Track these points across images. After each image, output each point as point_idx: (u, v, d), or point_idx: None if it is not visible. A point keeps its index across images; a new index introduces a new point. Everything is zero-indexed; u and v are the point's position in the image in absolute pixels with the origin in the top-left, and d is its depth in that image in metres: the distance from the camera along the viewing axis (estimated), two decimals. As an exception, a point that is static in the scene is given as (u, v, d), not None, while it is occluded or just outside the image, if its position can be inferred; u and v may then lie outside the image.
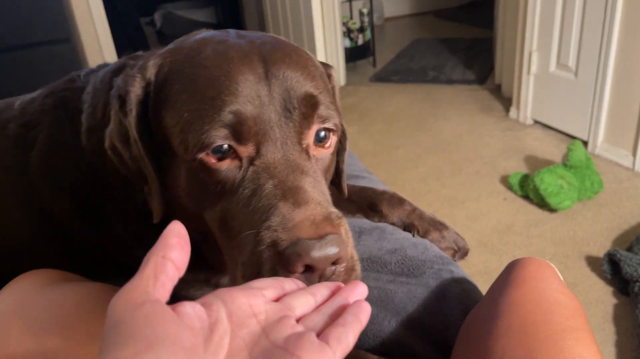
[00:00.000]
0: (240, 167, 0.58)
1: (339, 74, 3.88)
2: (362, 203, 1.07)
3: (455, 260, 1.03)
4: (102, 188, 0.80)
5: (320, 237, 0.51)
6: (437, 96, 3.53)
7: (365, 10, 4.12)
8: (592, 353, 0.61)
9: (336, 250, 0.52)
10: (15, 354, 0.58)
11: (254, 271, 0.54)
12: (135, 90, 0.62)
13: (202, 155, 0.57)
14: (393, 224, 1.06)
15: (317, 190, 0.58)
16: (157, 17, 5.53)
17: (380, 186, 1.17)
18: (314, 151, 0.63)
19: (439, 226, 1.06)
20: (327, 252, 0.51)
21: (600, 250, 1.93)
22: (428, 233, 1.04)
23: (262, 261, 0.53)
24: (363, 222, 1.05)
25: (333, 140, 0.66)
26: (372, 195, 1.08)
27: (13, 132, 0.86)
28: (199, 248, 0.74)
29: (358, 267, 0.60)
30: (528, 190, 2.25)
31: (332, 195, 1.06)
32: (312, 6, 2.91)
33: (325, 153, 0.65)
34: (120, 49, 3.16)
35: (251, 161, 0.58)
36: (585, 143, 2.62)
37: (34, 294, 0.67)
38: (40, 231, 0.86)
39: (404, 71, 4.02)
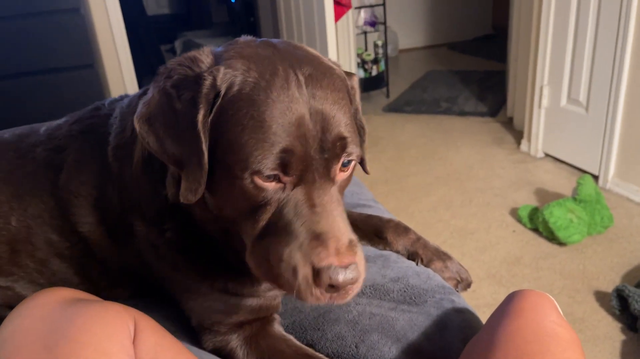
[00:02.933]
0: (284, 189, 0.69)
1: (353, 103, 3.94)
2: (368, 230, 1.10)
3: (458, 291, 1.05)
4: (128, 202, 0.85)
5: (345, 266, 0.65)
6: (449, 127, 3.56)
7: (379, 43, 4.20)
8: None
9: (355, 276, 0.66)
10: None
11: (291, 281, 0.66)
12: (207, 91, 0.68)
13: (254, 176, 0.67)
14: (397, 252, 1.08)
15: (342, 217, 0.70)
16: (177, 44, 5.69)
17: (386, 215, 1.20)
18: (339, 175, 0.73)
19: (443, 256, 1.07)
20: (349, 278, 0.65)
21: (609, 285, 1.92)
22: (431, 263, 1.06)
23: (297, 271, 0.66)
24: (368, 250, 1.08)
25: (352, 165, 0.76)
26: (378, 222, 1.10)
27: (41, 155, 0.91)
28: (222, 249, 0.82)
29: (362, 279, 0.70)
30: (537, 223, 2.26)
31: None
32: (328, 39, 2.98)
33: (345, 175, 0.75)
34: (140, 75, 3.25)
35: (293, 186, 0.69)
36: (596, 177, 2.62)
37: (49, 311, 0.70)
38: (64, 249, 0.91)
39: (417, 102, 4.07)
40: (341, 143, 0.70)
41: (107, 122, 0.88)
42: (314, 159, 0.68)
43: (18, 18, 2.48)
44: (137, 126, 0.71)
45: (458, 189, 2.73)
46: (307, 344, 0.90)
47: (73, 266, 0.92)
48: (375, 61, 4.17)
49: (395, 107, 4.01)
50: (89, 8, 2.90)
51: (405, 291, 0.95)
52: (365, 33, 4.19)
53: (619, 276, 1.97)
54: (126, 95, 0.92)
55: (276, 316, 0.93)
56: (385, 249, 1.09)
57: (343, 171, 0.74)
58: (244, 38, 0.78)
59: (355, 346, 0.86)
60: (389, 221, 1.11)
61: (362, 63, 4.10)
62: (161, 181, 0.80)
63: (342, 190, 0.75)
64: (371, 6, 4.03)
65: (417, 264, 1.05)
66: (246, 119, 0.67)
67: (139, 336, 0.71)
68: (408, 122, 3.74)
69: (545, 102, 2.86)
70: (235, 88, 0.68)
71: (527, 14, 2.98)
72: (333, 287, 0.65)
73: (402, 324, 0.88)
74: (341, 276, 0.64)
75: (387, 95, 4.30)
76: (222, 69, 0.69)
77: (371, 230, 1.10)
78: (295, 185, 0.69)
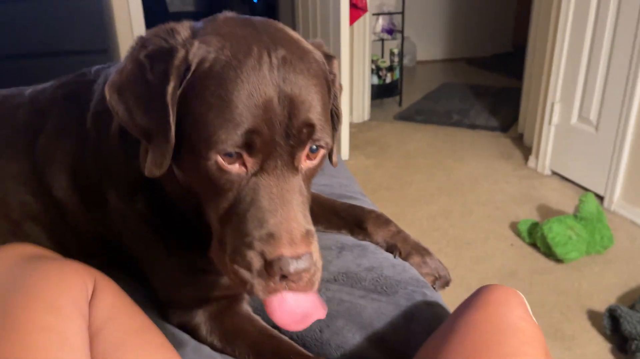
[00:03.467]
0: (246, 173, 0.67)
1: (364, 109, 3.94)
2: (349, 219, 1.09)
3: (435, 288, 1.03)
4: (102, 171, 0.85)
5: (297, 257, 0.63)
6: (458, 139, 3.54)
7: (396, 51, 4.20)
8: None
9: (307, 266, 0.65)
10: None
11: (244, 266, 0.65)
12: (178, 63, 0.67)
13: (218, 156, 0.65)
14: (377, 244, 1.07)
15: (300, 207, 0.68)
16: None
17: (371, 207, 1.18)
18: (303, 163, 0.71)
19: (422, 251, 1.06)
20: (300, 267, 0.64)
21: (603, 305, 1.87)
22: (410, 257, 1.04)
23: (251, 265, 0.64)
24: (347, 239, 1.07)
25: (321, 153, 0.73)
26: (360, 212, 1.09)
27: (22, 117, 0.92)
28: (194, 226, 0.81)
29: (319, 274, 0.69)
30: (536, 238, 2.22)
31: (320, 209, 1.09)
32: (341, 42, 2.98)
33: (312, 164, 0.72)
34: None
35: (255, 172, 0.67)
36: (601, 198, 2.58)
37: (8, 265, 0.71)
38: (38, 212, 0.91)
39: (429, 112, 4.06)
40: (308, 130, 0.68)
41: (91, 89, 0.88)
42: (279, 145, 0.66)
43: (38, -1, 2.52)
44: (107, 94, 0.70)
45: (459, 200, 2.70)
46: (273, 326, 0.89)
47: (46, 231, 0.92)
48: (390, 69, 4.17)
49: (407, 116, 3.99)
50: (111, -1, 2.94)
51: (377, 280, 0.94)
52: (382, 40, 4.19)
53: (614, 297, 1.93)
54: (114, 63, 0.92)
55: (245, 295, 0.92)
56: (365, 240, 1.07)
57: (310, 159, 0.71)
58: (225, 14, 0.77)
59: (320, 331, 0.85)
60: (371, 212, 1.09)
61: (377, 70, 4.10)
62: (135, 152, 0.79)
63: (307, 179, 0.73)
64: (390, 13, 4.03)
65: (395, 257, 1.03)
66: (213, 98, 0.65)
67: (97, 296, 0.71)
68: (418, 131, 3.72)
69: (555, 119, 2.83)
70: (207, 64, 0.67)
71: (544, 31, 2.96)
72: (286, 278, 0.64)
73: (369, 313, 0.87)
74: (292, 267, 0.63)
75: (400, 104, 4.29)
76: (196, 43, 0.68)
77: (352, 219, 1.09)
78: (257, 172, 0.67)
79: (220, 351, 0.85)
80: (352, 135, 3.54)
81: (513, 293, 0.77)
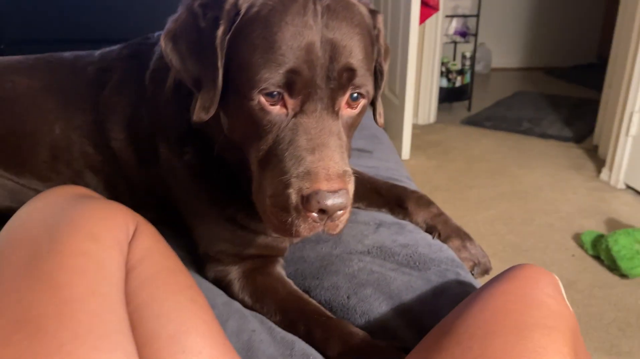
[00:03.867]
0: (287, 114, 0.70)
1: (430, 111, 3.88)
2: (390, 198, 1.09)
3: (474, 275, 1.01)
4: (156, 124, 0.90)
5: (334, 191, 0.65)
6: (526, 146, 3.41)
7: (468, 54, 4.11)
8: (558, 350, 0.58)
9: (343, 202, 0.66)
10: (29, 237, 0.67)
11: (282, 206, 0.68)
12: (229, 8, 0.71)
13: (260, 96, 0.68)
14: (417, 224, 1.06)
15: (338, 149, 0.70)
16: None
17: (416, 191, 1.17)
18: (344, 110, 0.73)
19: (463, 235, 1.04)
20: (337, 202, 0.65)
21: (668, 325, 1.75)
22: (449, 239, 1.03)
23: (289, 201, 0.66)
24: (386, 217, 1.07)
25: (362, 103, 0.76)
26: (402, 192, 1.09)
27: (91, 73, 0.99)
28: (237, 177, 0.84)
29: (349, 207, 0.70)
30: (600, 250, 2.10)
31: (361, 187, 1.10)
32: (410, 41, 2.96)
33: (353, 112, 0.75)
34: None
35: (295, 114, 0.70)
36: (679, 216, 2.40)
37: (60, 200, 0.77)
38: (97, 163, 0.98)
39: (499, 118, 3.94)
40: (348, 74, 0.70)
41: (152, 49, 0.94)
42: (319, 87, 0.69)
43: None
44: (162, 43, 0.75)
45: (521, 207, 2.60)
46: (303, 291, 0.90)
47: (103, 181, 0.99)
48: (461, 72, 4.09)
49: (475, 121, 3.90)
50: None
51: (411, 256, 0.93)
52: (455, 43, 4.12)
53: (682, 319, 1.79)
54: None
55: (280, 259, 0.95)
56: (405, 219, 1.07)
57: (351, 106, 0.74)
58: None
59: (347, 297, 0.86)
60: (413, 192, 1.09)
61: (447, 73, 4.03)
62: (187, 106, 0.84)
63: (348, 127, 0.75)
64: (464, 16, 3.95)
65: (433, 238, 1.02)
66: (258, 40, 0.69)
67: (137, 237, 0.76)
68: (485, 136, 3.62)
69: (634, 130, 2.66)
70: (255, 9, 0.70)
71: (627, 40, 2.80)
72: (324, 213, 0.66)
73: (398, 284, 0.86)
74: (329, 201, 0.65)
75: (469, 109, 4.19)
76: None
77: (393, 198, 1.09)
78: (297, 114, 0.70)
79: (250, 307, 0.87)
80: (415, 136, 3.50)
81: (546, 273, 0.75)
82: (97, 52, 1.02)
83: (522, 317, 0.62)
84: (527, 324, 0.61)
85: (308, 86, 0.68)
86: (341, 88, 0.70)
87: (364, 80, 0.72)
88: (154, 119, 0.91)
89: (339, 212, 0.67)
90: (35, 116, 0.96)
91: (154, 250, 0.76)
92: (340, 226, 0.70)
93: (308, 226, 0.68)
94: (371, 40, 0.77)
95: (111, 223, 0.72)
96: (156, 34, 1.01)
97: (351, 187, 0.69)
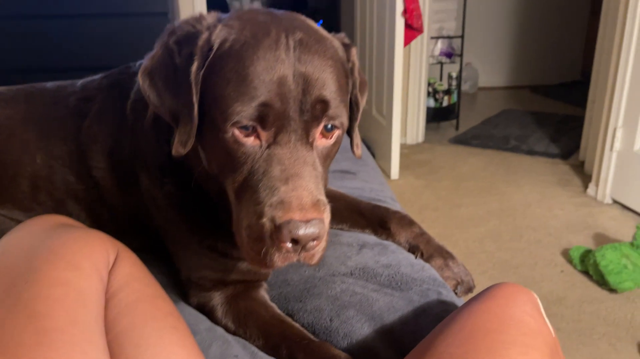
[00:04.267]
0: (261, 146, 0.70)
1: (418, 131, 3.92)
2: (372, 219, 1.10)
3: (457, 294, 1.01)
4: (136, 154, 0.91)
5: (307, 221, 0.65)
6: (513, 164, 3.45)
7: (454, 74, 4.17)
8: None
9: (316, 231, 0.66)
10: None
11: (256, 237, 0.68)
12: (202, 44, 0.72)
13: (234, 128, 0.70)
14: (400, 244, 1.07)
15: (312, 179, 0.70)
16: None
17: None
18: (318, 141, 0.74)
19: (445, 254, 1.05)
20: (309, 232, 0.65)
21: (658, 339, 1.75)
22: (432, 259, 1.03)
23: (263, 231, 0.67)
24: (369, 238, 1.07)
25: (337, 133, 0.76)
26: (384, 212, 1.10)
27: (72, 103, 1.00)
28: (216, 206, 0.85)
29: (325, 236, 0.70)
30: (588, 265, 2.11)
31: (345, 208, 1.10)
32: (395, 62, 3.01)
33: (328, 143, 0.75)
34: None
35: (268, 144, 0.70)
36: (665, 229, 2.42)
37: (41, 229, 0.77)
38: (80, 192, 0.98)
39: (486, 137, 3.98)
40: (321, 105, 0.71)
41: (133, 79, 0.96)
42: (293, 119, 0.70)
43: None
44: (140, 79, 0.76)
45: (510, 224, 2.62)
46: (287, 314, 0.91)
47: (85, 210, 0.99)
48: (448, 92, 4.14)
49: (463, 140, 3.93)
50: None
51: (393, 277, 0.94)
52: (441, 63, 4.18)
53: (671, 332, 1.79)
54: None
55: (263, 283, 0.95)
56: (388, 240, 1.08)
57: (326, 137, 0.74)
58: (250, 7, 0.83)
59: (330, 320, 0.86)
60: (395, 212, 1.10)
61: (434, 93, 4.08)
62: (166, 137, 0.85)
63: (324, 157, 0.75)
64: (449, 37, 4.02)
65: (416, 257, 1.03)
66: (231, 73, 0.70)
67: (117, 265, 0.76)
68: (472, 155, 3.66)
69: (617, 144, 2.70)
70: (227, 44, 0.72)
71: (608, 56, 2.86)
72: (297, 243, 0.66)
73: (380, 305, 0.87)
74: (302, 231, 0.65)
75: (457, 128, 4.23)
76: (219, 26, 0.73)
77: (376, 219, 1.09)
78: (271, 145, 0.70)
79: (233, 332, 0.87)
80: (403, 156, 3.53)
81: (524, 291, 0.75)
82: (79, 82, 1.04)
83: (499, 336, 0.63)
84: (504, 342, 0.62)
85: (281, 118, 0.69)
86: (315, 120, 0.71)
87: (338, 111, 0.73)
88: (134, 150, 0.91)
89: (313, 242, 0.67)
90: (16, 146, 0.97)
91: (134, 277, 0.76)
92: (317, 256, 0.70)
93: (282, 256, 0.67)
94: (345, 72, 0.78)
95: (91, 252, 0.73)
96: (137, 62, 1.02)
97: (327, 216, 0.69)
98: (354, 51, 0.83)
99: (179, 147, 0.75)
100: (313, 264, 0.71)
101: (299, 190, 0.67)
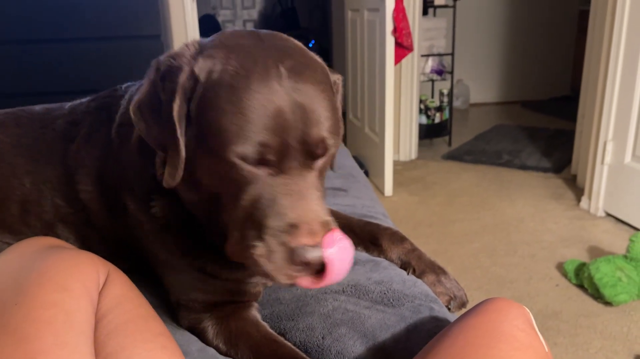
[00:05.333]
0: (263, 174, 0.71)
1: (411, 148, 3.94)
2: (364, 236, 1.10)
3: (450, 309, 1.01)
4: (122, 177, 0.91)
5: (316, 245, 0.67)
6: (506, 179, 3.46)
7: (445, 91, 4.22)
8: None
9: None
10: None
11: (267, 266, 0.70)
12: (183, 82, 0.73)
13: (236, 159, 0.70)
14: (391, 260, 1.07)
15: (317, 200, 0.72)
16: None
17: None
18: (317, 164, 0.75)
19: (438, 270, 1.05)
20: (318, 256, 0.68)
21: (655, 352, 1.75)
22: (424, 275, 1.03)
23: (273, 254, 0.69)
24: (361, 255, 1.07)
25: (332, 151, 0.77)
26: (375, 229, 1.10)
27: (60, 127, 1.00)
28: (205, 230, 0.85)
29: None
30: (583, 279, 2.11)
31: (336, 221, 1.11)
32: (386, 81, 3.04)
33: (324, 160, 0.76)
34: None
35: (272, 172, 0.71)
36: (658, 241, 2.43)
37: (30, 251, 0.77)
38: (68, 215, 0.98)
39: (478, 152, 4.01)
40: (322, 144, 0.72)
41: (119, 102, 0.96)
42: (294, 149, 0.70)
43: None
44: (131, 113, 0.77)
45: (504, 239, 2.62)
46: (279, 333, 0.90)
47: (74, 233, 0.99)
48: (440, 109, 4.18)
49: (455, 156, 3.96)
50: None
51: (385, 293, 0.94)
52: (432, 81, 4.23)
53: (668, 345, 1.79)
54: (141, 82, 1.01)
55: (255, 303, 0.95)
56: (379, 256, 1.08)
57: (322, 157, 0.75)
58: (232, 29, 0.83)
59: (322, 337, 0.85)
60: (386, 229, 1.10)
61: (426, 110, 4.11)
62: (151, 161, 0.84)
63: (321, 173, 0.76)
64: (439, 55, 4.07)
65: (408, 274, 1.03)
66: (227, 104, 0.70)
67: (108, 286, 0.76)
68: (465, 170, 3.67)
69: (608, 158, 2.72)
70: (216, 75, 0.72)
71: (595, 74, 2.91)
72: (308, 266, 0.68)
73: (372, 322, 0.86)
74: (311, 255, 0.67)
75: (449, 144, 4.26)
76: (200, 59, 0.73)
77: (367, 236, 1.09)
78: (275, 172, 0.71)
79: (225, 353, 0.87)
80: (397, 173, 3.54)
81: (515, 306, 0.75)
82: (67, 105, 1.04)
83: (490, 351, 0.63)
84: (495, 357, 0.62)
85: (282, 151, 0.70)
86: (317, 157, 0.73)
87: (336, 142, 0.75)
88: (119, 173, 0.91)
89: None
90: (5, 170, 0.97)
91: (124, 298, 0.76)
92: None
93: (292, 277, 0.69)
94: (332, 90, 0.78)
95: (80, 273, 0.72)
96: (124, 85, 1.03)
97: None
98: (339, 78, 0.84)
99: (170, 180, 0.75)
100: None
101: (307, 213, 0.69)
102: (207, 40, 0.79)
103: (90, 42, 2.70)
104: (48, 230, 0.99)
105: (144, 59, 3.02)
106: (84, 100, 1.03)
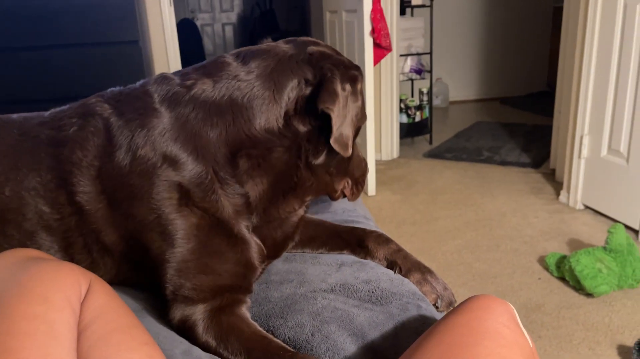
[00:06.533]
0: None
1: (393, 147, 3.97)
2: (350, 240, 1.11)
3: (438, 307, 1.03)
4: (145, 172, 0.90)
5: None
6: (487, 175, 3.51)
7: (424, 90, 4.26)
8: None
9: None
10: None
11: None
12: None
13: None
14: (378, 261, 1.08)
15: None
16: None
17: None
18: None
19: (423, 269, 1.07)
20: None
21: (635, 340, 1.78)
22: (410, 274, 1.05)
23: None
24: (348, 257, 1.09)
25: None
26: (361, 233, 1.12)
27: (44, 133, 0.99)
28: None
29: None
30: (564, 271, 2.16)
31: (324, 233, 1.15)
32: (366, 86, 3.06)
33: None
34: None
35: None
36: (636, 232, 2.49)
37: (11, 263, 0.76)
38: (53, 222, 0.96)
39: (459, 149, 4.05)
40: None
41: (103, 105, 0.96)
42: None
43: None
44: None
45: (486, 235, 2.66)
46: (267, 331, 0.91)
47: (58, 240, 0.97)
48: (420, 108, 4.22)
49: (436, 153, 4.00)
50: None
51: (373, 292, 0.95)
52: (412, 80, 4.26)
53: (647, 333, 1.84)
54: (123, 87, 1.01)
55: (247, 300, 0.95)
56: (366, 258, 1.09)
57: None
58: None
59: (312, 334, 0.87)
60: (372, 231, 1.12)
61: (406, 109, 4.15)
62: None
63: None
64: (418, 54, 4.11)
65: (395, 273, 1.04)
66: None
67: (90, 296, 0.75)
68: (447, 168, 3.72)
69: (585, 152, 2.78)
70: None
71: (570, 70, 2.97)
72: None
73: (361, 320, 0.88)
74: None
75: (430, 142, 4.30)
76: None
77: (354, 239, 1.12)
78: None
79: (214, 349, 0.87)
80: (379, 172, 3.57)
81: (500, 302, 0.77)
82: (47, 113, 1.03)
83: (476, 349, 0.64)
84: (481, 355, 0.63)
85: None
86: None
87: None
88: (138, 170, 0.90)
89: None
90: None
91: (107, 307, 0.75)
92: None
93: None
94: None
95: (62, 284, 0.72)
96: (109, 90, 1.03)
97: None
98: None
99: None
100: None
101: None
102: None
103: (68, 49, 2.69)
104: (28, 239, 0.97)
105: (122, 64, 3.05)
106: (64, 107, 1.03)
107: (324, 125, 0.90)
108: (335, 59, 0.95)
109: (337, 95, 0.88)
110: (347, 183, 1.06)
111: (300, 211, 1.11)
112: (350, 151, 0.92)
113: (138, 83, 0.99)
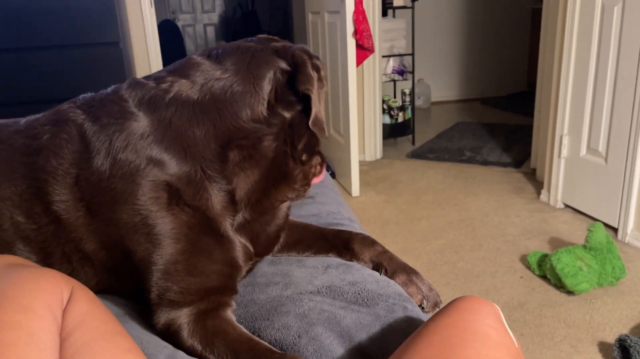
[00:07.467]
0: None
1: (376, 148, 3.99)
2: (336, 242, 1.12)
3: (423, 308, 1.04)
4: (127, 173, 0.88)
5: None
6: (469, 175, 3.55)
7: (407, 91, 4.29)
8: None
9: None
10: None
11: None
12: None
13: None
14: (364, 263, 1.09)
15: None
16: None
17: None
18: None
19: (409, 270, 1.07)
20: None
21: (615, 337, 1.82)
22: (396, 275, 1.06)
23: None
24: (334, 260, 1.09)
25: None
26: (347, 235, 1.13)
27: (19, 142, 0.97)
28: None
29: None
30: (545, 270, 2.19)
31: (310, 237, 1.15)
32: (349, 82, 3.07)
33: None
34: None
35: None
36: (615, 230, 2.54)
37: None
38: (30, 232, 0.95)
39: (441, 150, 4.09)
40: None
41: (76, 112, 0.95)
42: None
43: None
44: None
45: (469, 234, 2.69)
46: (253, 332, 0.91)
47: (36, 251, 0.95)
48: (402, 108, 4.24)
49: (419, 154, 4.03)
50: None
51: (359, 293, 0.96)
52: (394, 81, 4.29)
53: (627, 329, 1.87)
54: (98, 93, 1.00)
55: (233, 303, 0.95)
56: (352, 260, 1.10)
57: None
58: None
59: (299, 336, 0.86)
60: (357, 234, 1.13)
61: (389, 110, 4.17)
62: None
63: None
64: (400, 55, 4.13)
65: (380, 274, 1.05)
66: None
67: (73, 303, 0.74)
68: (429, 168, 3.75)
69: (565, 151, 2.83)
70: None
71: (550, 71, 3.01)
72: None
73: (347, 322, 0.88)
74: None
75: (413, 142, 4.33)
76: None
77: (339, 242, 1.12)
78: None
79: (200, 353, 0.86)
80: (363, 173, 3.58)
81: (486, 303, 0.78)
82: (22, 121, 1.01)
83: (464, 351, 0.65)
84: (470, 357, 0.64)
85: None
86: None
87: None
88: (120, 172, 0.89)
89: None
90: None
91: (90, 315, 0.74)
92: None
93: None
94: None
95: (43, 291, 0.70)
96: (81, 96, 1.01)
97: None
98: None
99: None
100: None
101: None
102: None
103: (48, 51, 2.65)
104: (5, 250, 0.95)
105: (103, 66, 3.02)
106: (39, 115, 1.01)
107: (302, 110, 0.94)
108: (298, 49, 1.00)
109: (312, 77, 0.93)
110: (317, 160, 1.07)
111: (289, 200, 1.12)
112: (327, 132, 0.97)
113: (110, 89, 0.98)
